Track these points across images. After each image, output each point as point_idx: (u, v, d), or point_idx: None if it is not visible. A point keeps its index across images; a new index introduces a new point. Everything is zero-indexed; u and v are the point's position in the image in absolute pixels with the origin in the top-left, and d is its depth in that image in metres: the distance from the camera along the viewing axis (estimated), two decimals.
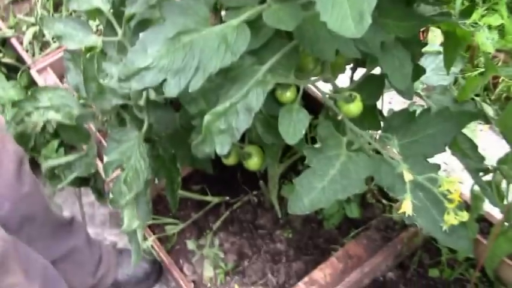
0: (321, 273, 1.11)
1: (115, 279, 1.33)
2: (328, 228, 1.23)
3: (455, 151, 0.93)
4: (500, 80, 1.66)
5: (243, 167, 1.40)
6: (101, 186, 1.57)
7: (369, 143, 0.82)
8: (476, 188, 0.96)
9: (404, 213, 0.74)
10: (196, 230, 1.31)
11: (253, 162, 0.97)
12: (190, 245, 1.27)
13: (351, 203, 1.19)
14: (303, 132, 0.73)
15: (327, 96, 0.81)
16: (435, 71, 1.04)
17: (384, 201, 1.24)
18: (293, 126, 0.72)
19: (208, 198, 1.34)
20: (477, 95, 1.72)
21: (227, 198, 1.34)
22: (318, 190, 0.74)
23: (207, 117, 0.62)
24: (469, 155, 0.93)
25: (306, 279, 1.10)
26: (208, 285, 1.20)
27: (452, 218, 0.74)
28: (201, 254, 1.25)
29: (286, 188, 1.24)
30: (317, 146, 0.77)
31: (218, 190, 1.37)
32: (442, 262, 1.14)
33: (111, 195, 0.87)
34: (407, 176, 0.76)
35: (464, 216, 0.74)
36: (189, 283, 1.19)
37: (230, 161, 1.00)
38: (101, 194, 1.59)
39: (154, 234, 1.27)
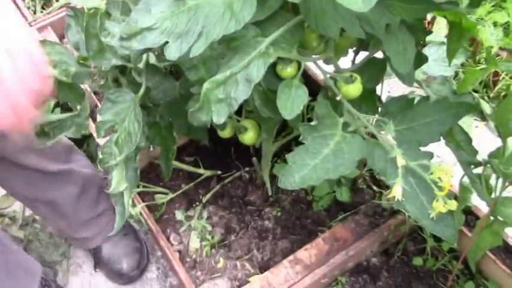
0: (306, 253, 1.11)
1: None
2: (316, 210, 1.24)
3: (449, 142, 0.94)
4: (500, 77, 1.66)
5: (237, 142, 1.40)
6: (94, 150, 1.57)
7: (365, 126, 0.82)
8: (466, 180, 0.96)
9: (393, 197, 0.74)
10: (186, 201, 1.31)
11: (248, 137, 0.97)
12: (179, 215, 1.28)
13: (342, 187, 1.19)
14: (301, 108, 0.73)
15: (328, 75, 0.81)
16: (437, 62, 1.04)
17: (375, 187, 1.25)
18: (291, 101, 0.72)
19: (201, 170, 1.34)
20: (476, 91, 1.73)
21: (219, 172, 1.34)
22: (309, 167, 0.74)
23: (206, 85, 0.62)
24: (463, 147, 0.93)
25: (290, 257, 1.11)
26: (194, 256, 1.21)
27: (440, 206, 0.74)
28: (189, 225, 1.26)
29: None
30: (313, 123, 0.77)
31: (211, 163, 1.37)
32: (426, 251, 1.16)
33: (100, 155, 0.86)
34: (400, 161, 0.76)
35: (453, 205, 0.75)
36: (175, 252, 1.20)
37: (226, 134, 1.00)
38: (93, 160, 1.59)
39: (143, 202, 1.27)
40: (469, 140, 0.92)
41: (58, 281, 1.37)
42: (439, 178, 0.74)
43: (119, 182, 0.89)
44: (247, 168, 1.34)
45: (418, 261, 1.13)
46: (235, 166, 1.36)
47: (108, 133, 0.88)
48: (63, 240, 1.47)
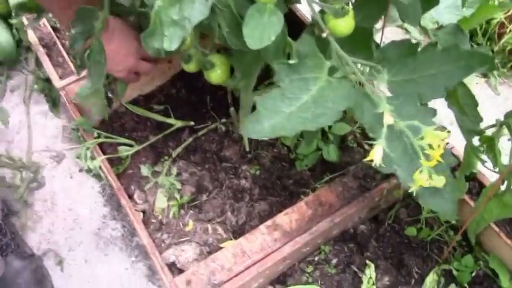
0: (286, 218, 0.98)
1: None
2: (300, 170, 1.10)
3: (452, 105, 0.80)
4: (507, 30, 1.50)
5: (214, 90, 1.25)
6: (56, 95, 1.40)
7: (354, 73, 0.67)
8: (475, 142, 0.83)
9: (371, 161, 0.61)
10: (153, 155, 1.16)
11: (216, 75, 0.82)
12: (145, 170, 1.13)
13: (329, 145, 1.05)
14: (272, 38, 0.58)
15: (315, 6, 0.65)
16: (449, 9, 0.88)
17: (366, 146, 1.11)
18: (261, 29, 0.57)
19: (171, 120, 1.19)
20: (478, 44, 1.58)
21: (192, 123, 1.19)
22: (284, 115, 0.60)
23: (158, 2, 0.46)
24: (466, 112, 0.79)
25: (268, 222, 0.98)
26: (160, 217, 1.07)
27: (423, 180, 0.60)
28: (156, 182, 1.11)
29: None
30: (292, 62, 0.62)
31: (183, 113, 1.21)
32: (421, 220, 1.03)
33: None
34: (387, 119, 0.62)
35: (440, 181, 0.61)
36: (138, 212, 1.05)
37: (191, 68, 0.84)
38: (55, 104, 1.42)
39: (105, 154, 1.12)
40: (474, 104, 0.79)
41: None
42: (430, 146, 0.60)
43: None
44: (223, 120, 1.19)
45: (411, 230, 1.01)
46: (211, 117, 1.21)
47: None
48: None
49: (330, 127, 1.05)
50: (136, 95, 1.25)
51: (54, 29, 1.32)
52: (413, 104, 0.66)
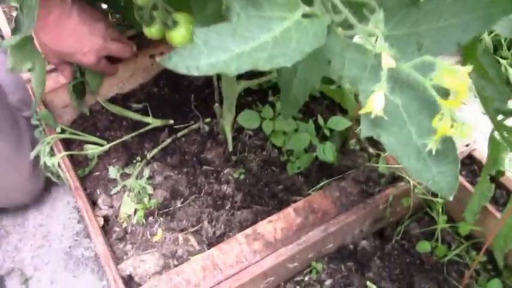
0: (269, 226, 0.81)
1: None
2: (292, 174, 0.93)
3: (477, 73, 0.63)
4: None
5: (199, 88, 1.10)
6: None
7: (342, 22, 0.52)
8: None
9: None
10: (126, 157, 1.01)
11: (179, 34, 0.67)
12: (113, 172, 0.97)
13: (326, 143, 0.88)
14: None
15: None
16: None
17: (371, 150, 0.94)
18: None
19: (148, 119, 1.04)
20: (504, 58, 1.42)
21: (171, 121, 1.04)
22: (231, 55, 0.44)
23: None
24: (492, 79, 0.63)
25: (248, 231, 0.81)
26: (124, 224, 0.90)
27: (446, 126, 0.44)
28: (124, 186, 0.95)
29: (245, 114, 0.93)
30: None
31: (164, 113, 1.07)
32: (435, 236, 0.85)
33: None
34: (387, 61, 0.46)
35: (467, 129, 0.44)
36: (98, 218, 0.89)
37: (153, 32, 0.70)
38: None
39: (70, 154, 0.97)
40: (501, 76, 0.62)
41: None
42: (446, 84, 0.44)
43: (18, 62, 0.62)
44: (207, 120, 1.04)
45: (424, 246, 0.82)
46: (194, 117, 1.06)
47: None
48: None
49: (325, 121, 0.89)
50: (114, 93, 1.11)
51: None
52: (411, 50, 0.51)
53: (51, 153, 0.95)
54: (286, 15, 0.50)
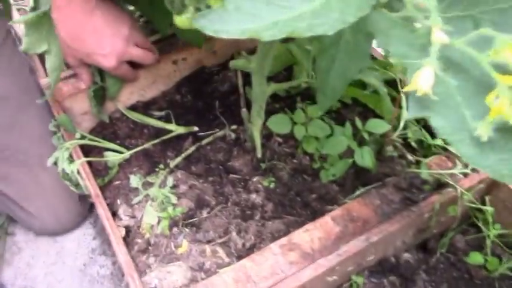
0: (306, 236, 0.75)
1: None
2: (325, 182, 0.87)
3: None
4: None
5: (224, 94, 1.06)
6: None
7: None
8: None
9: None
10: (147, 165, 0.96)
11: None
12: (135, 181, 0.92)
13: (364, 147, 0.82)
14: None
15: None
16: None
17: (410, 156, 0.88)
18: None
19: (171, 126, 0.99)
20: None
21: (196, 128, 0.99)
22: (265, 23, 0.41)
23: None
24: None
25: (283, 241, 0.74)
26: (147, 235, 0.84)
27: (503, 106, 0.38)
28: (146, 195, 0.90)
29: (275, 119, 0.88)
30: None
31: (187, 121, 1.02)
32: (484, 248, 0.78)
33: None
34: (439, 36, 0.42)
35: None
36: (119, 228, 0.83)
37: (184, 21, 0.66)
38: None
39: (90, 164, 0.92)
40: None
41: None
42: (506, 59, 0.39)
43: (33, 42, 0.58)
44: (234, 127, 0.99)
45: (475, 257, 0.75)
46: (219, 124, 1.01)
47: None
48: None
49: (364, 124, 0.84)
50: (135, 101, 1.07)
51: None
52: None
53: (70, 160, 0.89)
54: None
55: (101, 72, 0.96)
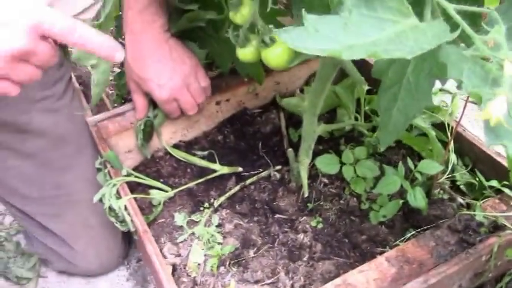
0: (361, 277, 0.73)
1: None
2: (374, 224, 0.86)
3: None
4: None
5: (266, 135, 1.06)
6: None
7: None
8: None
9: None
10: (191, 204, 0.95)
11: (276, 54, 0.63)
12: (179, 219, 0.91)
13: (416, 188, 0.82)
14: None
15: None
16: None
17: (460, 199, 0.87)
18: None
19: (215, 166, 0.99)
20: None
21: (240, 169, 0.99)
22: (341, 44, 0.42)
23: None
24: None
25: (338, 281, 0.73)
26: (193, 274, 0.83)
27: None
28: (192, 233, 0.89)
29: (324, 159, 0.88)
30: None
31: (230, 161, 1.02)
32: None
33: None
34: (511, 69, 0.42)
35: None
36: (167, 266, 0.82)
37: (247, 54, 0.67)
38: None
39: (134, 200, 0.92)
40: None
41: None
42: None
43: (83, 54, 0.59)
44: (278, 167, 0.99)
45: None
46: (262, 165, 1.01)
47: None
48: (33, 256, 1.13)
49: (415, 165, 0.83)
50: (177, 141, 1.07)
51: None
52: None
53: (117, 196, 0.89)
54: (399, 20, 0.47)
55: (154, 106, 0.97)
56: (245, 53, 0.67)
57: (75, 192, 0.97)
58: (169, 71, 0.86)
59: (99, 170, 0.97)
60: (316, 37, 0.43)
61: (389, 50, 0.44)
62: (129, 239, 1.16)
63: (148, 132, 0.98)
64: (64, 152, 0.96)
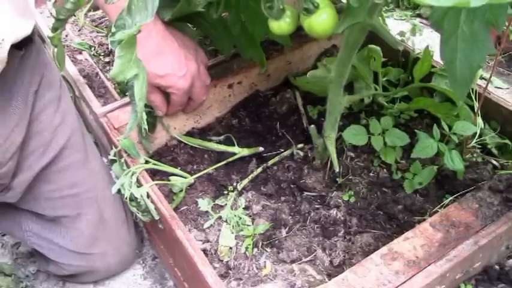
0: (407, 244, 0.70)
1: None
2: (409, 193, 0.83)
3: None
4: None
5: (284, 115, 1.03)
6: None
7: None
8: None
9: None
10: (213, 189, 0.91)
11: (321, 22, 0.60)
12: (204, 205, 0.87)
13: (452, 151, 0.79)
14: None
15: None
16: None
17: (494, 161, 0.85)
18: None
19: (234, 149, 0.96)
20: None
21: (261, 149, 0.95)
22: None
23: None
24: None
25: (384, 250, 0.69)
26: (226, 259, 0.79)
27: None
28: (219, 218, 0.85)
29: (351, 130, 0.85)
30: None
31: (248, 144, 0.98)
32: None
33: (113, 29, 0.58)
34: None
35: None
36: (199, 251, 0.78)
37: (284, 26, 0.63)
38: None
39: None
40: None
41: None
42: None
43: (125, 65, 0.54)
44: (300, 145, 0.95)
45: None
46: (283, 145, 0.97)
47: None
48: None
49: (450, 127, 0.80)
50: (190, 128, 1.03)
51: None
52: None
53: (137, 185, 0.85)
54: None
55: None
56: (280, 26, 0.63)
57: (90, 189, 0.94)
58: (183, 60, 0.84)
59: (112, 161, 0.92)
60: None
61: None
62: (141, 238, 1.11)
63: (151, 123, 0.94)
64: (79, 147, 0.93)
